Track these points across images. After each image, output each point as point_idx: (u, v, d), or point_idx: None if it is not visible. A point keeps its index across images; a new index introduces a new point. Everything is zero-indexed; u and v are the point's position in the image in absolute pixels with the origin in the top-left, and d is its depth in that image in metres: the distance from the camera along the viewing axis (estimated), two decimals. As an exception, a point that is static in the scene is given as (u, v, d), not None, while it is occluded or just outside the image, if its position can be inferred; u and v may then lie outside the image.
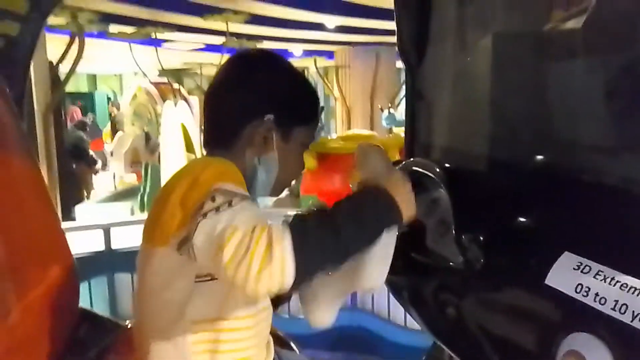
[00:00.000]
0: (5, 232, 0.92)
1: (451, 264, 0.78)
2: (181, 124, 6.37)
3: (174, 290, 0.79)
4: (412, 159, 1.01)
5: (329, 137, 7.41)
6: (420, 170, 0.89)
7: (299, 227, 0.68)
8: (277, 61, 0.97)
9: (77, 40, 5.02)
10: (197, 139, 6.25)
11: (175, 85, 9.04)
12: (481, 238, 0.75)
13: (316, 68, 9.39)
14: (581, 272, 0.59)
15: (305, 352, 1.32)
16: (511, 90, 0.86)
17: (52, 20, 5.26)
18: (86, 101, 15.66)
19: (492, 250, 0.74)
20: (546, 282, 0.62)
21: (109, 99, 15.77)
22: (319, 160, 5.21)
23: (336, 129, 9.62)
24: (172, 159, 5.95)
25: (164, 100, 7.74)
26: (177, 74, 8.82)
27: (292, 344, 1.21)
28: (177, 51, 8.42)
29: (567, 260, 0.61)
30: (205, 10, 5.88)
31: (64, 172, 5.07)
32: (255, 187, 0.92)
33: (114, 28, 6.57)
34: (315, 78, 10.30)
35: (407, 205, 0.77)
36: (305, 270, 0.68)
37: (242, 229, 0.67)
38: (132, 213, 5.64)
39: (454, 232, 0.77)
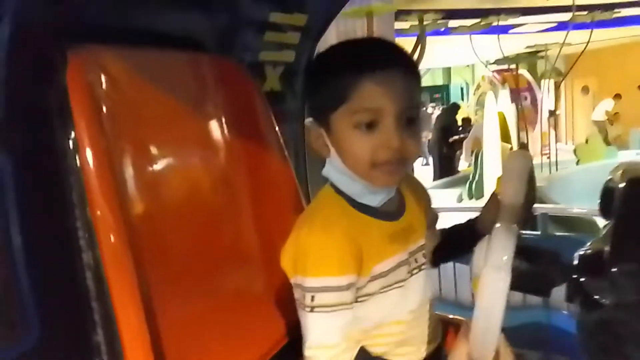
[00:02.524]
0: (262, 218, 1.21)
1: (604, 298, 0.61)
2: (499, 112, 6.19)
3: None
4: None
5: None
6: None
7: None
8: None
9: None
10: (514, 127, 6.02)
11: (522, 71, 8.75)
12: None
13: None
14: None
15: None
16: None
17: (398, 25, 5.95)
18: (442, 93, 16.80)
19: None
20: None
21: (461, 89, 16.45)
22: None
23: None
24: (490, 148, 5.86)
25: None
26: (519, 59, 8.49)
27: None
28: (521, 35, 8.11)
29: None
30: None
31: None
32: (348, 186, 0.90)
33: (454, 23, 6.85)
34: None
35: None
36: None
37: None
38: (460, 200, 5.82)
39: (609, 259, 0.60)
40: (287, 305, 1.22)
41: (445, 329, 1.04)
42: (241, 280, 1.18)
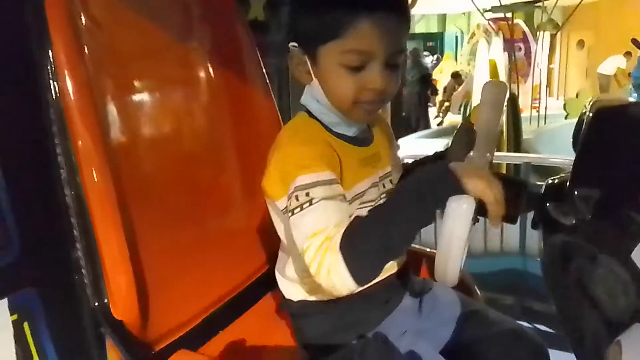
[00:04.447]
0: (244, 152, 1.22)
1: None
2: (490, 59, 6.10)
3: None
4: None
5: None
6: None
7: (349, 248, 0.75)
8: None
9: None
10: (505, 77, 5.93)
11: (518, 22, 8.58)
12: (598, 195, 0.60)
13: None
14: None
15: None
16: None
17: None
18: (436, 41, 16.43)
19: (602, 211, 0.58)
20: (632, 255, 0.47)
21: (456, 38, 16.11)
22: None
23: None
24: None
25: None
26: (516, 7, 8.29)
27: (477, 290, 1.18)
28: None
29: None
30: None
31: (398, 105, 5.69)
32: (325, 116, 0.91)
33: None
34: None
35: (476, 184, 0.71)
36: (365, 279, 0.77)
37: (313, 249, 0.77)
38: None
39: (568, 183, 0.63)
40: (265, 237, 1.26)
41: (414, 259, 1.09)
42: (222, 212, 1.20)
